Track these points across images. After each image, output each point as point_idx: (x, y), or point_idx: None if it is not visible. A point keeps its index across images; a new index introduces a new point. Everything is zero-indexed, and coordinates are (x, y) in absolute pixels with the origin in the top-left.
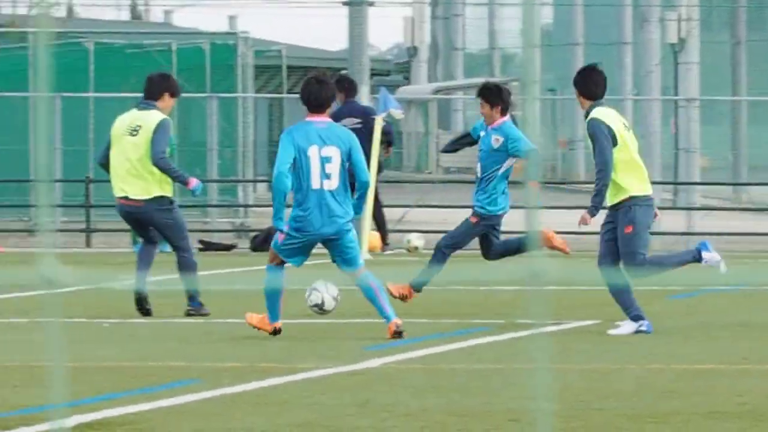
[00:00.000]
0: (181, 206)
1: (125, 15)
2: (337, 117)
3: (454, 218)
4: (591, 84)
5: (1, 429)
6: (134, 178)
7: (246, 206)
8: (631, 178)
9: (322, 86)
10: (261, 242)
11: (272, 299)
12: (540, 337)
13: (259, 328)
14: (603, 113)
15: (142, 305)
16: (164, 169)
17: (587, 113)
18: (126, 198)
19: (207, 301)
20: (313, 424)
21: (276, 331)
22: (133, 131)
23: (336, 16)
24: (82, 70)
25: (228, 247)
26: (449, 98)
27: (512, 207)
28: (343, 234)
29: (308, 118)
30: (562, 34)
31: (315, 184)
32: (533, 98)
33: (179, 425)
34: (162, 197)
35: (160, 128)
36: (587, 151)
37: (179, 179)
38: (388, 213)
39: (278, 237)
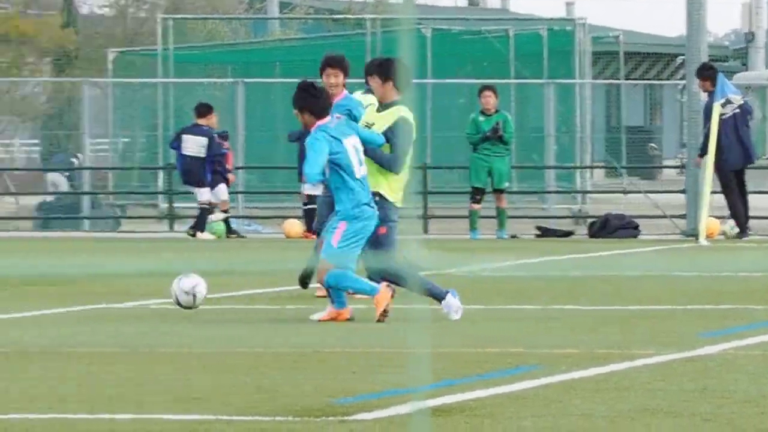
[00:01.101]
0: (516, 192)
1: (462, 1)
2: (709, 107)
3: None
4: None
5: (340, 415)
6: None
7: (583, 192)
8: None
9: (320, 93)
10: (598, 229)
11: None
12: None
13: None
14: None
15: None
16: None
17: (392, 103)
18: None
19: (538, 287)
20: (652, 410)
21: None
22: None
23: (674, 1)
24: (419, 57)
25: (566, 234)
26: None
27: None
28: None
29: (321, 123)
30: None
31: (358, 173)
32: None
33: (518, 412)
34: None
35: None
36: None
37: None
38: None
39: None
